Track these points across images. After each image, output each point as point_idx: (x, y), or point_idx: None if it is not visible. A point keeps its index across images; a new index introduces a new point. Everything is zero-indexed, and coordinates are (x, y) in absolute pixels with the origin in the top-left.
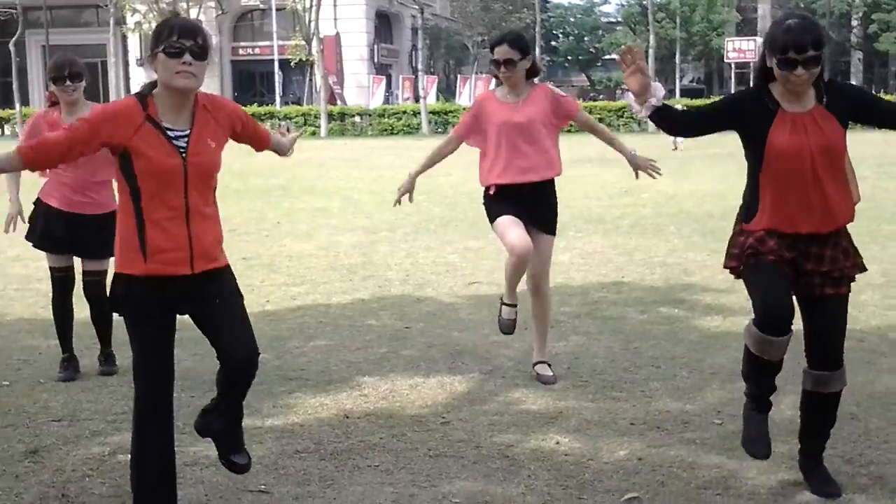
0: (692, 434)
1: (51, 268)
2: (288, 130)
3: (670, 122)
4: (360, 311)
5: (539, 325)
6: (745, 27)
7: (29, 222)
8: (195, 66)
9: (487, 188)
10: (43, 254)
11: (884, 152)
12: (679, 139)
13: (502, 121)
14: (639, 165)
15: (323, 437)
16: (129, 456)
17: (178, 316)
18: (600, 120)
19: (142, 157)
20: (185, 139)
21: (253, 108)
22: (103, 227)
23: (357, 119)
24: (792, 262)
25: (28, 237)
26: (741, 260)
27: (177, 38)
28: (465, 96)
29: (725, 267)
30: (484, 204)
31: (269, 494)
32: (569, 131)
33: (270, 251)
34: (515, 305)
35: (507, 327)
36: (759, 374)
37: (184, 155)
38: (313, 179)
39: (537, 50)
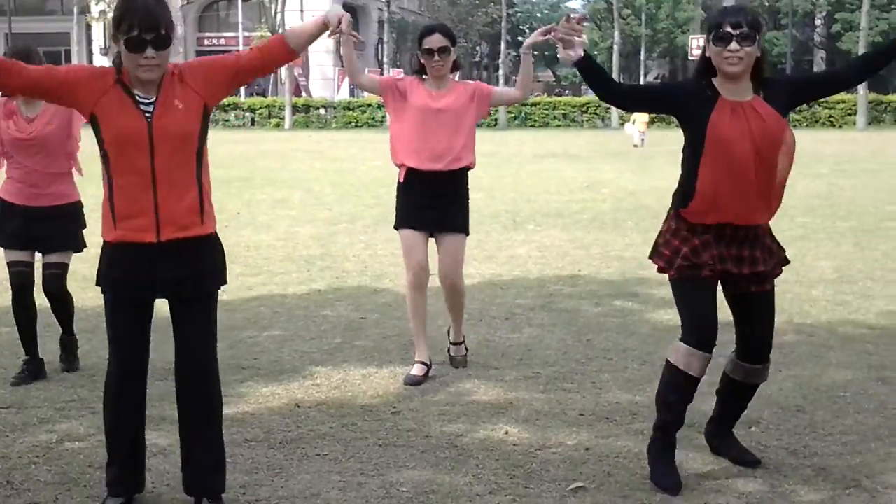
0: (640, 425)
1: (8, 264)
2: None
3: (598, 77)
4: (316, 301)
5: (454, 314)
6: None
7: None
8: (158, 56)
9: (399, 174)
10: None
11: (840, 150)
12: (642, 135)
13: (422, 104)
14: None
15: (273, 427)
16: (87, 440)
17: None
18: (564, 115)
19: (106, 121)
20: (152, 105)
21: None
22: (62, 219)
23: (322, 111)
24: (723, 271)
25: None
26: (672, 266)
27: (137, 33)
28: None
29: (650, 258)
30: (396, 195)
31: None
32: (533, 126)
33: (229, 242)
34: (426, 364)
35: (414, 382)
36: (678, 395)
37: (149, 118)
38: (276, 171)
39: (503, 45)
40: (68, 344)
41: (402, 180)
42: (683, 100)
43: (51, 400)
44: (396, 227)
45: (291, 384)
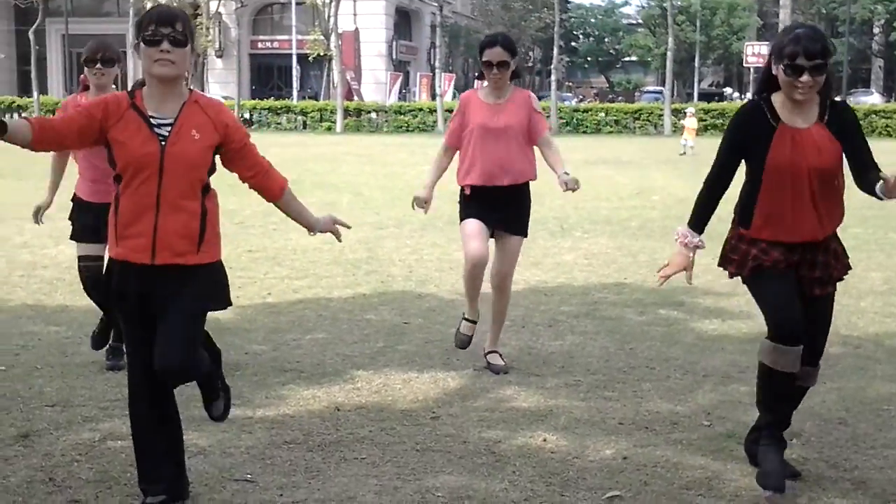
0: (679, 435)
1: (79, 257)
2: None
3: (711, 209)
4: (360, 305)
5: (496, 318)
6: (766, 31)
7: (70, 219)
8: (174, 53)
9: (463, 188)
10: (56, 243)
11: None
12: (688, 142)
13: (480, 123)
14: (564, 183)
15: (313, 429)
16: (129, 439)
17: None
18: (616, 122)
19: (119, 144)
20: (168, 128)
21: (269, 102)
22: None
23: (373, 115)
24: (794, 267)
25: (71, 235)
26: (744, 268)
27: (155, 27)
28: None
29: (720, 266)
30: (459, 202)
31: (254, 484)
32: (585, 132)
33: (276, 244)
34: (475, 322)
35: (463, 342)
36: (775, 393)
37: (162, 143)
38: (325, 174)
39: (556, 50)
40: (115, 350)
41: (466, 193)
42: (747, 142)
43: (95, 399)
44: (461, 221)
45: (332, 387)
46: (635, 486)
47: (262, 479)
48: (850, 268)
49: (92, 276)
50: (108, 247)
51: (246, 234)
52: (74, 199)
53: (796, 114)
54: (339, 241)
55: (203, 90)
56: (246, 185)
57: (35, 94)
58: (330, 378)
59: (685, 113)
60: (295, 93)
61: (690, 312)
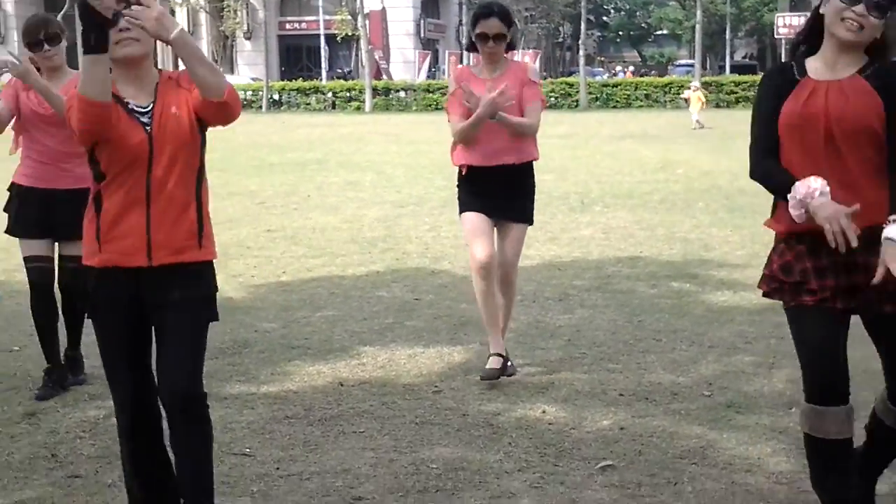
0: (679, 405)
1: (25, 259)
2: None
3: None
4: (373, 282)
5: (506, 304)
6: (799, 2)
7: (5, 211)
8: (134, 29)
9: (460, 168)
10: None
11: None
12: (697, 117)
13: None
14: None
15: (314, 404)
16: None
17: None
18: (647, 96)
19: (104, 139)
20: (149, 114)
21: (298, 83)
22: (82, 204)
23: (402, 94)
24: (836, 287)
25: (6, 229)
26: (770, 287)
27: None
28: None
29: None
30: (457, 186)
31: (251, 457)
32: (615, 107)
33: (295, 224)
34: (502, 356)
35: (489, 375)
36: (824, 470)
37: (148, 130)
38: (350, 154)
39: (583, 25)
40: (73, 362)
41: (463, 174)
42: (778, 102)
43: (102, 376)
44: (460, 213)
45: (338, 363)
46: (629, 455)
47: (261, 452)
48: None
49: (43, 283)
50: (85, 255)
51: (267, 213)
52: (13, 187)
53: (827, 69)
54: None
55: (232, 72)
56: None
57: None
58: (336, 354)
59: (690, 87)
60: (324, 73)
61: (703, 284)
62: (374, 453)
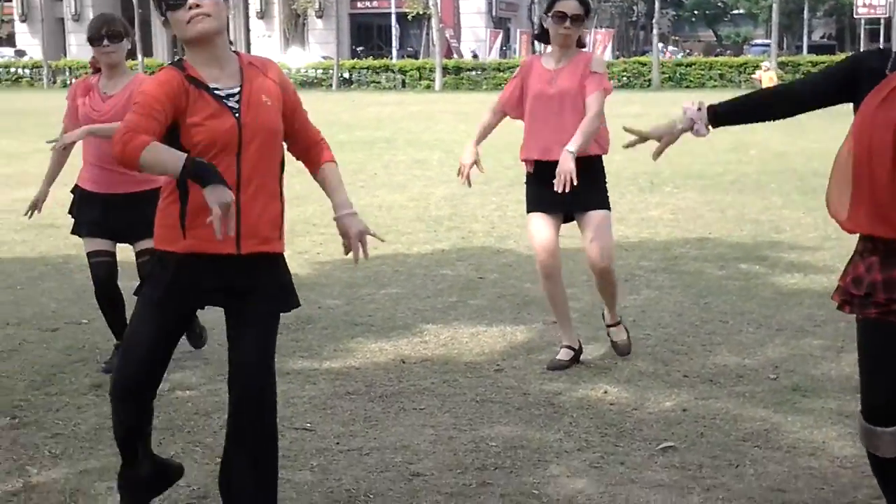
0: (743, 388)
1: (88, 254)
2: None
3: (747, 111)
4: (437, 261)
5: (607, 299)
6: None
7: (69, 213)
8: (204, 4)
9: (526, 164)
10: None
11: None
12: None
13: (537, 92)
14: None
15: (376, 381)
16: (197, 388)
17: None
18: (721, 76)
19: (190, 124)
20: (237, 98)
21: (368, 62)
22: (147, 205)
23: (472, 73)
24: None
25: (73, 229)
26: (842, 299)
27: None
28: None
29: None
30: (525, 182)
31: (312, 432)
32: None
33: (362, 202)
34: (573, 348)
35: (555, 366)
36: (881, 478)
37: (237, 115)
38: (419, 132)
39: (657, 3)
40: (191, 336)
41: (530, 172)
42: (858, 85)
43: None
44: (527, 211)
45: (400, 340)
46: (691, 437)
47: (321, 427)
48: None
49: (105, 275)
50: (160, 240)
51: None
52: (76, 189)
53: None
54: (356, 261)
55: (304, 50)
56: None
57: (139, 56)
58: (399, 331)
59: (761, 66)
60: (394, 52)
61: (772, 266)
62: (434, 430)
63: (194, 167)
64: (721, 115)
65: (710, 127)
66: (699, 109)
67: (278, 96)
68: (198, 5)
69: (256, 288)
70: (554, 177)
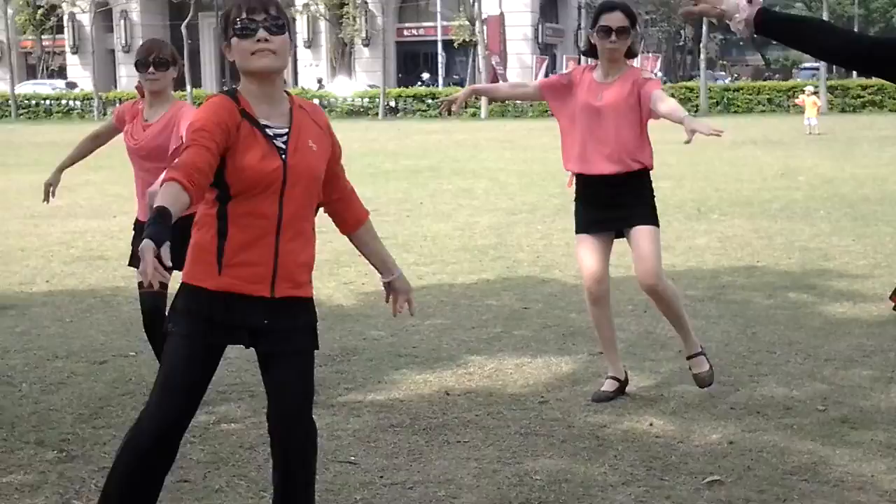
0: (791, 420)
1: (139, 284)
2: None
3: (796, 29)
4: (482, 291)
5: (672, 321)
6: None
7: (132, 244)
8: (273, 41)
9: (568, 180)
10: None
11: None
12: (811, 120)
13: (584, 102)
14: (691, 129)
15: (420, 413)
16: (241, 421)
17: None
18: (769, 100)
19: (237, 160)
20: (285, 138)
21: (414, 90)
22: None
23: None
24: None
25: (129, 261)
26: None
27: (246, 16)
28: None
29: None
30: (574, 200)
31: (356, 466)
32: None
33: (408, 231)
34: (618, 380)
35: (599, 397)
36: None
37: (283, 157)
38: (464, 161)
39: (705, 28)
40: None
41: (570, 186)
42: None
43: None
44: (576, 232)
45: (444, 372)
46: (738, 470)
47: (365, 461)
48: None
49: (153, 309)
50: (192, 275)
51: (379, 220)
52: (137, 224)
53: None
54: (394, 314)
55: (350, 79)
56: (324, 210)
57: (188, 87)
58: (443, 363)
59: (804, 91)
60: (440, 79)
61: (821, 295)
62: (478, 464)
63: (151, 221)
64: (768, 21)
65: (750, 27)
66: (750, 2)
67: (325, 143)
68: (267, 40)
69: (285, 329)
70: (601, 196)
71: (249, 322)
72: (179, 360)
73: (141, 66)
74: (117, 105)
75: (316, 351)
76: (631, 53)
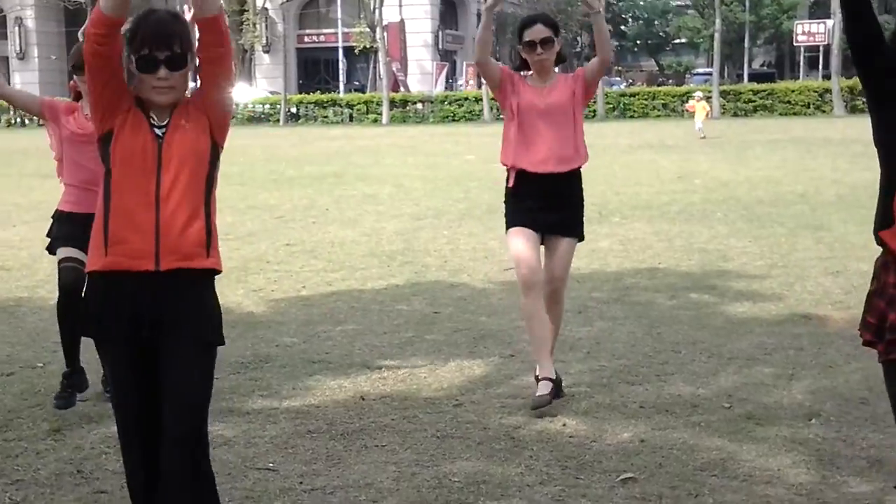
0: (699, 417)
1: (59, 261)
2: None
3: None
4: (392, 296)
5: (553, 325)
6: (818, 9)
7: (47, 236)
8: (172, 78)
9: (507, 178)
10: None
11: None
12: (698, 124)
13: (528, 102)
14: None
15: (336, 418)
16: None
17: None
18: (664, 105)
19: (119, 139)
20: (165, 127)
21: (316, 96)
22: None
23: (419, 106)
24: None
25: (48, 246)
26: (881, 339)
27: (149, 51)
28: None
29: (858, 331)
30: (504, 200)
31: (275, 472)
32: (632, 117)
33: (314, 238)
34: (552, 380)
35: (539, 404)
36: None
37: (160, 141)
38: (368, 166)
39: None
40: (70, 377)
41: (510, 185)
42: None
43: None
44: (507, 228)
45: (359, 377)
46: (650, 467)
47: (284, 467)
48: None
49: (73, 280)
50: (89, 262)
51: (285, 227)
52: (56, 213)
53: None
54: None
55: (250, 86)
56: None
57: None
58: (357, 368)
59: (694, 96)
60: (342, 86)
61: (721, 296)
62: (397, 467)
63: None
64: None
65: None
66: None
67: (198, 115)
68: (167, 78)
69: (184, 318)
70: (539, 195)
71: (133, 306)
72: (107, 364)
73: (78, 69)
74: (11, 112)
75: (220, 347)
76: (560, 59)
